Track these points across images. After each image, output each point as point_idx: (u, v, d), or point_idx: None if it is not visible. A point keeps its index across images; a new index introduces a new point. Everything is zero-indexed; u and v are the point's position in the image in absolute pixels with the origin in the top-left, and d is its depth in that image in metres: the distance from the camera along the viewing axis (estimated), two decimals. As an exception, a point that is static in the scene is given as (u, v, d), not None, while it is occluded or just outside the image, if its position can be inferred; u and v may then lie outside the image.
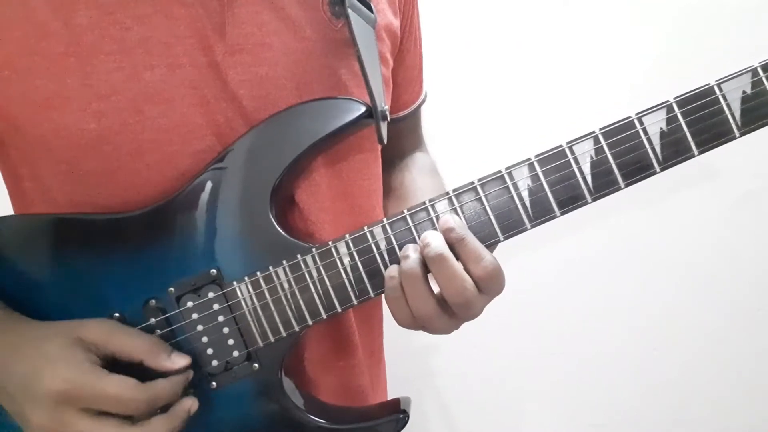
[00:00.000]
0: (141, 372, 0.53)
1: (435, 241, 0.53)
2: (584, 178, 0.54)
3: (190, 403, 0.55)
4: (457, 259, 0.54)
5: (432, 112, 0.87)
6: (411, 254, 0.54)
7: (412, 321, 0.56)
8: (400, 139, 0.80)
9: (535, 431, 1.38)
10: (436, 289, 0.55)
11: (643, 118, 0.53)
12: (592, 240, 1.29)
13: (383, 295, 0.56)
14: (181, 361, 0.55)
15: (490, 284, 0.53)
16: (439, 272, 0.53)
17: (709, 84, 0.52)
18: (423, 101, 0.82)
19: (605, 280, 1.31)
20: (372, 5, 0.62)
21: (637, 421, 1.35)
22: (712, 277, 1.30)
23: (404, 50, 0.73)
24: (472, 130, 1.24)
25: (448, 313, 0.55)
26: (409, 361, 1.32)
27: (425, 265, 0.54)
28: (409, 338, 1.31)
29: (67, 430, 0.51)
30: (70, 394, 0.50)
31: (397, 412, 0.59)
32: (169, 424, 0.53)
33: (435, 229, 0.55)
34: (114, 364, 0.53)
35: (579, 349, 1.33)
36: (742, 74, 0.52)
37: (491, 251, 0.57)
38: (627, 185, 0.54)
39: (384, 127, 0.59)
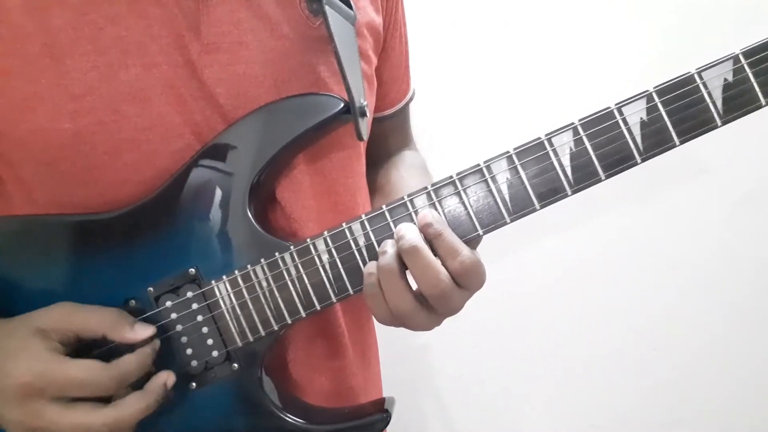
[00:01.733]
0: (112, 355, 0.53)
1: (408, 234, 0.53)
2: (564, 171, 0.53)
3: (165, 377, 0.54)
4: (435, 254, 0.53)
5: (421, 109, 0.86)
6: (388, 250, 0.53)
7: (391, 318, 0.55)
8: (388, 137, 0.80)
9: (535, 432, 1.37)
10: (415, 286, 0.54)
11: (623, 108, 0.52)
12: (591, 240, 1.28)
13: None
14: (144, 331, 0.54)
15: (468, 279, 0.53)
16: (413, 264, 0.52)
17: (689, 72, 0.51)
18: (411, 99, 0.82)
19: (605, 280, 1.30)
20: (352, 2, 0.62)
21: (636, 421, 1.34)
22: (712, 277, 1.29)
23: (389, 48, 0.72)
24: (465, 128, 1.23)
25: (427, 308, 0.54)
26: (406, 362, 1.32)
27: (402, 261, 0.53)
28: (406, 340, 1.31)
29: (39, 422, 0.50)
30: (35, 386, 0.50)
31: (379, 412, 0.59)
32: (144, 400, 0.52)
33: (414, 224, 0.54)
34: (83, 349, 0.53)
35: (578, 349, 1.32)
36: (723, 62, 0.51)
37: (475, 246, 0.57)
38: (608, 177, 0.53)
39: (363, 123, 0.59)
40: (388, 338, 0.77)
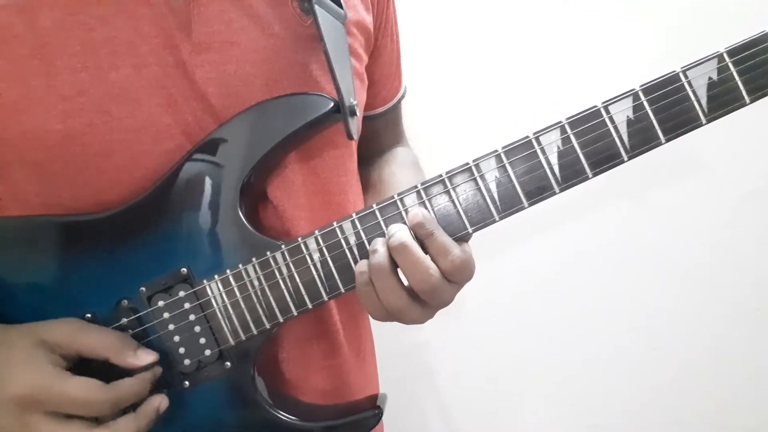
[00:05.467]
0: (111, 371, 0.53)
1: (399, 232, 0.53)
2: (551, 169, 0.53)
3: (159, 401, 0.54)
4: (426, 252, 0.54)
5: (409, 108, 0.86)
6: (379, 248, 0.54)
7: (384, 314, 0.56)
8: (381, 134, 0.80)
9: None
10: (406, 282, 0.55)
11: (610, 107, 0.53)
12: (591, 240, 1.28)
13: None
14: (147, 357, 0.54)
15: (458, 275, 0.54)
16: (403, 261, 0.53)
17: (674, 71, 0.52)
18: (402, 96, 0.82)
19: (605, 280, 1.30)
20: (342, 1, 0.62)
21: (636, 421, 1.34)
22: (712, 277, 1.29)
23: (380, 46, 0.72)
24: (453, 126, 1.23)
25: (419, 302, 0.55)
26: (405, 361, 1.32)
27: (393, 258, 0.53)
28: (404, 338, 1.31)
29: None
30: (33, 398, 0.50)
31: (371, 408, 0.59)
32: (136, 423, 0.53)
33: (404, 222, 0.55)
34: (83, 365, 0.53)
35: (578, 349, 1.32)
36: (707, 60, 0.51)
37: (465, 242, 0.57)
38: (595, 174, 0.53)
39: (353, 123, 0.59)
40: (386, 337, 0.77)
